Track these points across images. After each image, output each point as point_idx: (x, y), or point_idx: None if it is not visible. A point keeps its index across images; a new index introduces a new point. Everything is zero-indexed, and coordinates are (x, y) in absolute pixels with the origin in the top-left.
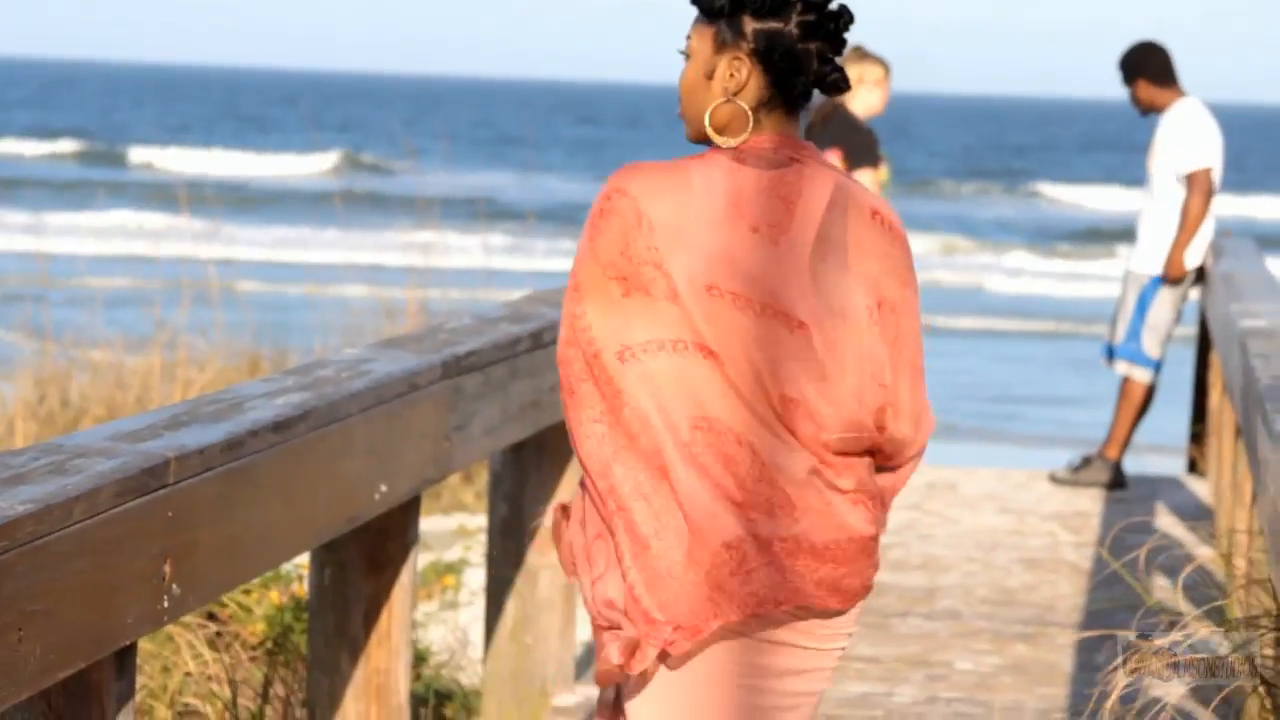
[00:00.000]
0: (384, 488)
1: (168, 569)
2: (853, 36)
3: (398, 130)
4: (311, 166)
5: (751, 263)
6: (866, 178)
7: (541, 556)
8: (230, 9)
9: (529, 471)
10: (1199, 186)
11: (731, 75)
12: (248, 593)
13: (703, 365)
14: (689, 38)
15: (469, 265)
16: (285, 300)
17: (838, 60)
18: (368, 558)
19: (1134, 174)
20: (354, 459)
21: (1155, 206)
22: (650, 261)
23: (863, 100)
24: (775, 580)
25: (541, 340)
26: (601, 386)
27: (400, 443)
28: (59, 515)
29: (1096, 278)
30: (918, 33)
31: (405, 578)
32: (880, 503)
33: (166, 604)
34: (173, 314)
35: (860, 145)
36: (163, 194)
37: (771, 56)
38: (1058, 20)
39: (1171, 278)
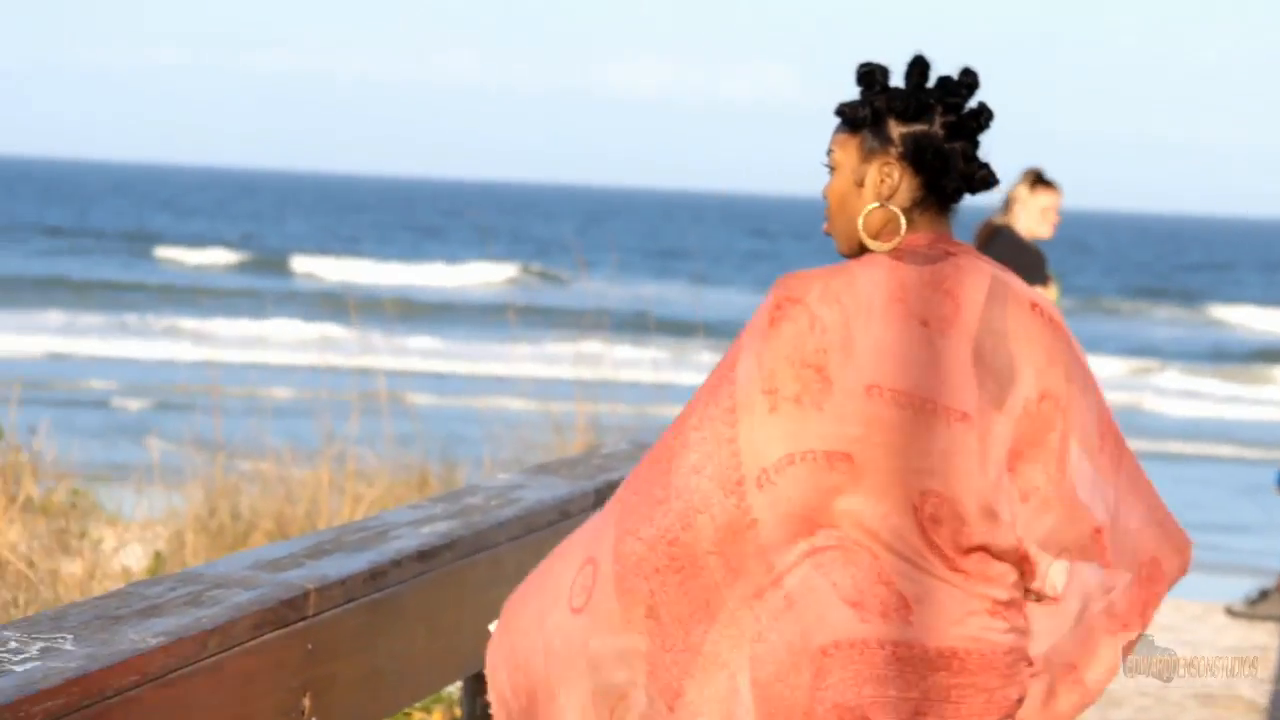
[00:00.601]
0: None
1: (307, 703)
2: (1033, 158)
3: (569, 241)
4: (483, 277)
5: (922, 358)
6: None
7: None
8: (399, 120)
9: None
10: None
11: (883, 180)
12: (408, 715)
13: (828, 475)
14: (831, 150)
15: (636, 378)
16: (454, 413)
17: (980, 158)
18: None
19: None
20: (503, 588)
21: None
22: (814, 365)
23: (1029, 221)
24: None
25: None
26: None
27: None
28: (193, 648)
29: (1270, 402)
30: (1095, 146)
31: None
32: (1019, 610)
33: None
34: (342, 426)
35: (1028, 264)
36: (333, 303)
37: (923, 158)
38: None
39: None
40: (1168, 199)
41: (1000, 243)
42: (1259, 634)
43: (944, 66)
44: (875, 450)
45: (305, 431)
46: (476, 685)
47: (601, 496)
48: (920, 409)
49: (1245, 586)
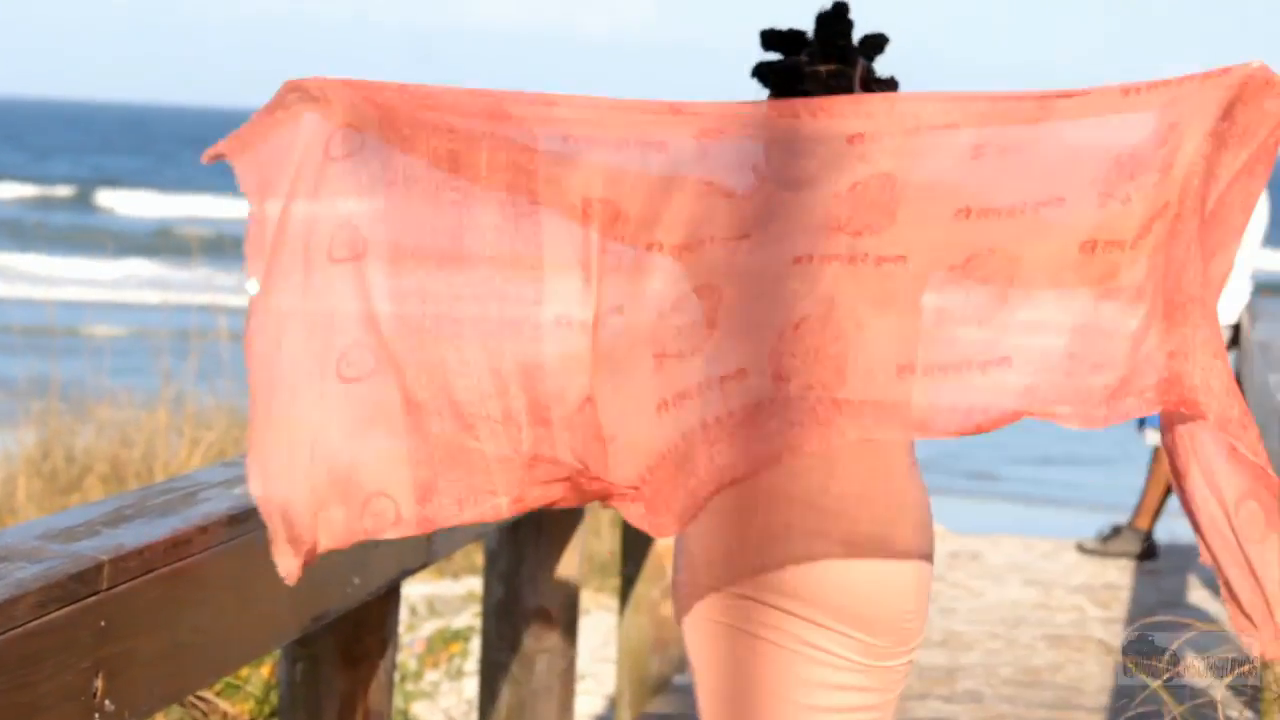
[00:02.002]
0: (356, 580)
1: (99, 684)
2: None
3: None
4: None
5: None
6: None
7: (538, 641)
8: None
9: (526, 550)
10: None
11: None
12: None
13: None
14: None
15: None
16: None
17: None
18: (343, 652)
19: None
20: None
21: None
22: None
23: None
24: None
25: None
26: None
27: None
28: None
29: None
30: None
31: (384, 674)
32: None
33: None
34: (180, 367)
35: None
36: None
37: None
38: None
39: None
40: None
41: None
42: (1111, 571)
43: None
44: None
45: (142, 373)
46: (296, 649)
47: None
48: None
49: (1098, 523)
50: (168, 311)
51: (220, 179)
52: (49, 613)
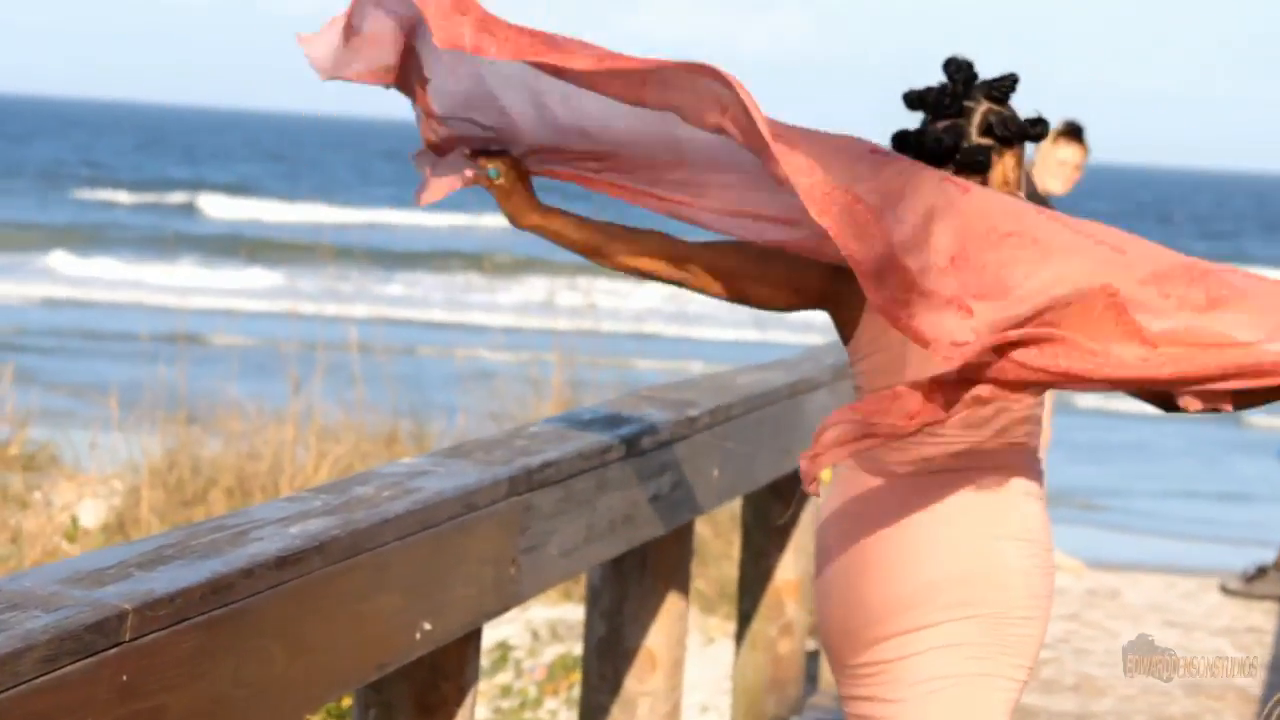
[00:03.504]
0: (427, 626)
1: None
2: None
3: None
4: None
5: None
6: None
7: (641, 683)
8: None
9: (630, 586)
10: None
11: None
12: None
13: None
14: None
15: (616, 329)
16: (427, 366)
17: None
18: (417, 700)
19: None
20: (386, 596)
21: None
22: None
23: (1043, 173)
24: None
25: (638, 447)
26: None
27: (451, 573)
28: None
29: None
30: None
31: None
32: None
33: None
34: (309, 379)
35: None
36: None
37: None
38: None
39: None
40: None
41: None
42: (1255, 615)
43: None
44: None
45: (270, 384)
46: (370, 695)
47: (516, 485)
48: None
49: (1245, 564)
50: (297, 322)
51: (348, 191)
52: (60, 667)
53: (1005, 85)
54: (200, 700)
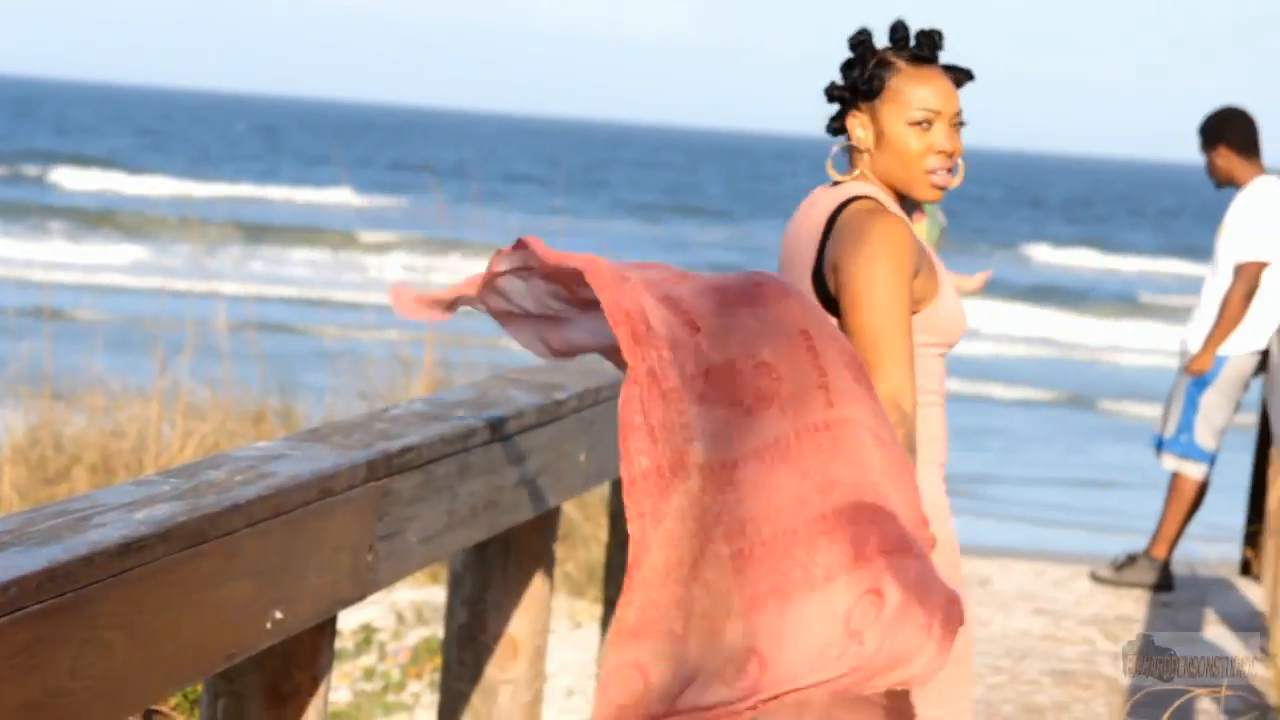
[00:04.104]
0: (279, 614)
1: None
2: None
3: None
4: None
5: None
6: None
7: (502, 671)
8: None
9: (493, 574)
10: (1244, 278)
11: None
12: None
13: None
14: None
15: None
16: (297, 343)
17: None
18: (268, 689)
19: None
20: (235, 584)
21: (1217, 287)
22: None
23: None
24: None
25: (503, 431)
26: None
27: (304, 560)
28: None
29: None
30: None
31: (315, 713)
32: None
33: None
34: (176, 356)
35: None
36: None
37: None
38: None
39: (1190, 371)
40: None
41: None
42: (1125, 602)
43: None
44: None
45: (136, 360)
46: (220, 684)
47: (374, 470)
48: None
49: (1115, 551)
50: (163, 297)
51: (234, 166)
52: None
53: (899, 33)
54: (33, 694)
